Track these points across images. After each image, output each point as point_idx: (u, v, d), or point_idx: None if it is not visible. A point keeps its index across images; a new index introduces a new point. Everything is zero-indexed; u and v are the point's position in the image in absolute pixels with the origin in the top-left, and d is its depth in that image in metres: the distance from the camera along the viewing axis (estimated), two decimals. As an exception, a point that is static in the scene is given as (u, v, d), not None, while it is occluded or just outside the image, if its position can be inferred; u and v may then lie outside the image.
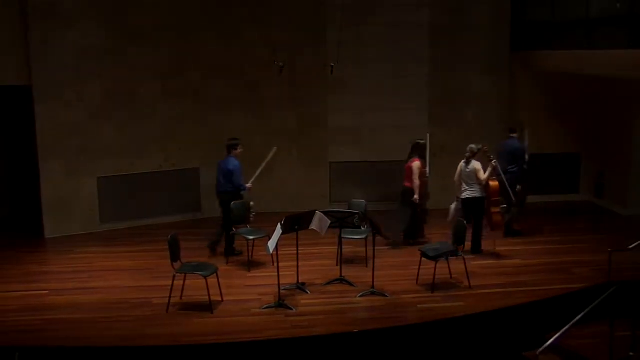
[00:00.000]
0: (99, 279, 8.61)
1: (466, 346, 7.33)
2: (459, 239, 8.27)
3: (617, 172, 11.50)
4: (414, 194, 9.54)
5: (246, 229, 9.17)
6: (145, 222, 11.01)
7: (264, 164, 9.62)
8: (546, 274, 8.64)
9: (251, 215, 9.20)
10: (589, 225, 10.90)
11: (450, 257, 8.26)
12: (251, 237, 8.97)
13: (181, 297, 7.79)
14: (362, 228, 8.66)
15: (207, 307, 7.53)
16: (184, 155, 11.26)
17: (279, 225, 7.54)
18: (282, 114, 11.56)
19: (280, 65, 10.12)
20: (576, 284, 8.22)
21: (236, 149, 9.35)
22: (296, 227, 7.72)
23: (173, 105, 11.02)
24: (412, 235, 9.79)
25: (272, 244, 7.44)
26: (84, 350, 6.73)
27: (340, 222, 8.25)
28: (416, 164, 9.54)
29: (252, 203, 9.23)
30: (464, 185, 9.26)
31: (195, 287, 7.76)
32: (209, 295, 7.53)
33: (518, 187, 9.87)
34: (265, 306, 7.64)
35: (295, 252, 7.99)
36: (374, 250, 8.09)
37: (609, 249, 7.42)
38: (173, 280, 7.59)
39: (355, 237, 8.85)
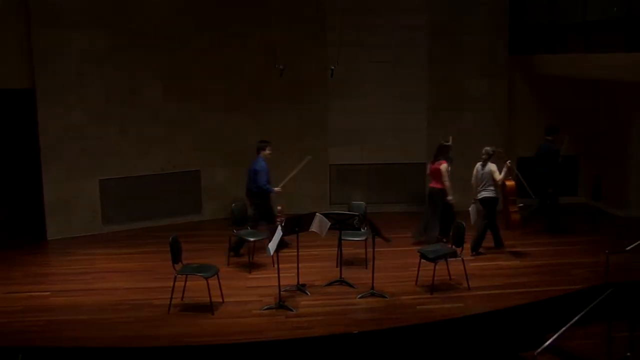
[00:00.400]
0: (101, 280, 8.64)
1: (465, 347, 7.35)
2: (457, 241, 8.29)
3: (614, 174, 11.52)
4: (441, 195, 9.68)
5: (247, 230, 9.19)
6: (147, 224, 11.03)
7: (295, 171, 9.77)
8: (544, 276, 8.66)
9: (279, 220, 9.16)
10: (587, 227, 10.91)
11: (450, 259, 8.29)
12: (252, 239, 8.98)
13: (182, 298, 7.81)
14: (362, 230, 8.67)
15: (208, 308, 7.55)
16: (185, 158, 11.29)
17: (279, 227, 7.56)
18: (282, 116, 11.58)
19: (281, 68, 10.14)
20: (574, 286, 8.24)
21: (264, 150, 9.50)
22: (296, 228, 7.74)
23: (174, 108, 11.04)
24: (445, 233, 9.84)
25: (272, 246, 7.46)
26: (86, 351, 6.75)
27: (340, 224, 8.27)
28: (444, 166, 9.67)
29: (279, 207, 9.23)
30: (480, 186, 9.46)
31: (196, 289, 7.78)
32: (209, 296, 7.55)
33: (549, 189, 10.18)
34: (265, 307, 7.66)
35: (296, 253, 8.02)
36: (373, 251, 8.11)
37: (606, 251, 7.43)
38: (174, 281, 7.61)
39: (354, 238, 8.87)
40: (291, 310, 7.58)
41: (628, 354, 6.70)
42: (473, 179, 9.57)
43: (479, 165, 9.49)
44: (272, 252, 7.49)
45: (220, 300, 7.77)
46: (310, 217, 7.88)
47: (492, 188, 9.38)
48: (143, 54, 10.70)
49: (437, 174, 9.73)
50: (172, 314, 7.53)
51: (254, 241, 9.00)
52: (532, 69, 11.67)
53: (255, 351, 6.85)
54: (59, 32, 10.10)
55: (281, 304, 7.65)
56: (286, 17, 11.35)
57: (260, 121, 11.52)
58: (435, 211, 9.80)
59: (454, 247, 8.32)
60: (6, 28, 9.90)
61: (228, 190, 11.42)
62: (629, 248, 7.35)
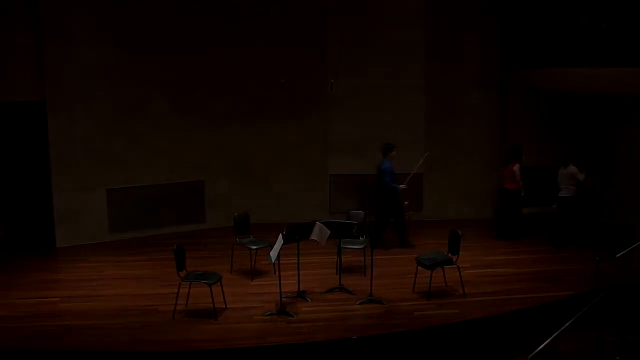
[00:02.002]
0: (108, 287, 8.66)
1: (461, 352, 7.37)
2: (453, 249, 8.31)
3: (605, 184, 11.54)
4: (514, 195, 10.32)
5: (249, 239, 9.21)
6: (153, 233, 11.06)
7: (416, 167, 10.23)
8: (537, 282, 8.68)
9: (406, 215, 9.86)
10: (579, 235, 10.90)
11: (445, 266, 8.31)
12: (254, 247, 9.01)
13: (187, 304, 7.83)
14: (361, 239, 8.69)
15: (212, 314, 7.57)
16: (190, 168, 11.33)
17: (280, 236, 7.60)
18: (284, 128, 11.63)
19: (282, 82, 10.22)
20: (566, 292, 8.26)
21: (391, 152, 10.01)
22: (297, 237, 7.77)
23: (180, 120, 11.10)
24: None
25: (274, 254, 7.49)
26: (94, 355, 6.78)
27: (340, 232, 8.28)
28: (517, 167, 10.39)
29: (406, 203, 9.73)
30: (561, 186, 10.15)
31: (200, 295, 7.81)
32: (213, 302, 7.58)
33: None
34: (267, 313, 7.68)
35: (297, 261, 8.05)
36: (372, 259, 8.12)
37: (597, 258, 7.47)
38: (179, 288, 7.64)
39: (354, 247, 8.90)
40: (292, 316, 7.60)
41: (618, 357, 6.73)
42: (559, 180, 10.25)
43: (561, 167, 10.19)
44: (273, 260, 7.52)
45: (224, 306, 7.80)
46: (310, 226, 7.90)
47: (572, 188, 10.05)
48: (149, 68, 10.76)
49: (510, 175, 10.35)
50: (177, 319, 7.55)
51: (256, 249, 9.02)
52: (526, 82, 11.73)
53: (257, 356, 6.87)
54: (68, 46, 10.17)
55: (282, 310, 7.67)
56: (287, 33, 11.43)
57: (262, 133, 11.59)
58: (511, 209, 10.47)
59: (450, 254, 8.35)
60: (18, 43, 9.97)
61: (231, 199, 11.46)
62: (618, 256, 7.39)
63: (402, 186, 9.98)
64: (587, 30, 9.87)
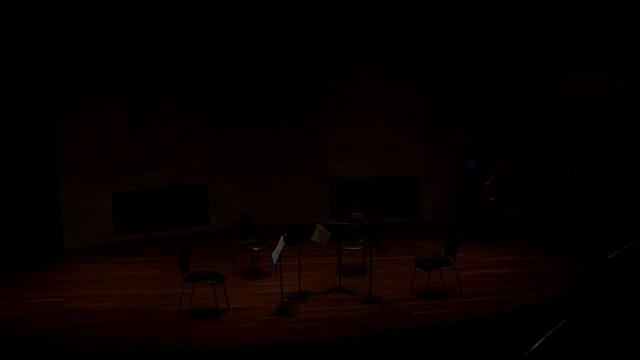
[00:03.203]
0: (113, 287, 8.72)
1: (458, 351, 7.41)
2: (450, 250, 8.36)
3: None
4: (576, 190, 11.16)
5: (251, 240, 9.27)
6: (157, 234, 11.13)
7: (497, 169, 10.74)
8: (533, 283, 8.71)
9: (491, 210, 10.52)
10: (574, 236, 10.95)
11: (443, 267, 8.35)
12: (256, 249, 9.06)
13: (190, 304, 7.89)
14: (359, 240, 8.72)
15: (214, 314, 7.63)
16: (193, 172, 11.39)
17: (281, 237, 7.65)
18: (285, 132, 11.67)
19: (283, 86, 10.28)
20: (561, 292, 8.29)
21: (478, 152, 10.44)
22: (298, 239, 7.82)
23: (183, 125, 11.15)
24: None
25: (275, 255, 7.54)
26: (99, 353, 6.84)
27: (339, 234, 8.32)
28: (569, 168, 11.10)
29: (491, 199, 10.37)
30: None
31: (203, 295, 7.86)
32: (216, 302, 7.64)
33: None
34: (268, 313, 7.73)
35: (297, 262, 8.10)
36: (371, 260, 8.16)
37: (591, 259, 7.51)
38: (182, 288, 7.71)
39: (353, 248, 8.95)
40: (292, 316, 7.65)
41: (609, 356, 6.77)
42: None
43: None
44: (274, 261, 7.57)
45: (226, 306, 7.85)
46: (311, 227, 7.94)
47: None
48: (152, 73, 10.81)
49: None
50: (180, 319, 7.61)
51: (258, 250, 9.08)
52: (522, 88, 11.76)
53: (259, 355, 6.92)
54: (75, 53, 10.25)
55: (283, 310, 7.72)
56: (288, 38, 11.48)
57: (263, 136, 11.62)
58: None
59: (447, 255, 8.39)
60: (27, 49, 10.05)
61: (233, 202, 11.51)
62: (610, 256, 7.43)
63: (487, 183, 10.41)
64: (583, 36, 9.93)
